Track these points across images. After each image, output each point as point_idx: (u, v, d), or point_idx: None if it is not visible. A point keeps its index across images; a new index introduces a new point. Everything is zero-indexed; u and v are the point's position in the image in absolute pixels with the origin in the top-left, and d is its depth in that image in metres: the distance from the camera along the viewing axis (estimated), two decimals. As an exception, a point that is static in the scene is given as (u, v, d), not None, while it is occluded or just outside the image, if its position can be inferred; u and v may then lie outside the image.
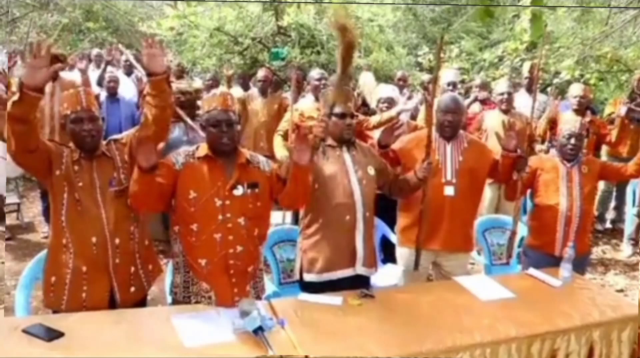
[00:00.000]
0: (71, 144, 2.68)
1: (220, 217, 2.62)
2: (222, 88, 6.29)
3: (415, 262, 3.31)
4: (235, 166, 2.68)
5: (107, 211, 2.65)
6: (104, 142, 2.74)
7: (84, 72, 5.91)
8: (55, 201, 2.65)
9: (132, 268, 2.74)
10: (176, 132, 4.27)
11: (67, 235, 2.63)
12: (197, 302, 2.67)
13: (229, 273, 2.67)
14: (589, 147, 5.28)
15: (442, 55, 3.68)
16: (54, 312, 2.69)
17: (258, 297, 2.79)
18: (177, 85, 4.37)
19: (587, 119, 5.22)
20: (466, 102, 6.23)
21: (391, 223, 4.35)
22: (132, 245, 2.73)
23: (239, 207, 2.66)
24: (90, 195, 2.63)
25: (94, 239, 2.61)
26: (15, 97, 2.33)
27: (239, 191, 2.66)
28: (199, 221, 2.63)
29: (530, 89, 6.05)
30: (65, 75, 5.81)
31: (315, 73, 5.28)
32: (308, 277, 3.01)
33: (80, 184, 2.63)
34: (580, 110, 5.26)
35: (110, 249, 2.64)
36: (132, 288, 2.75)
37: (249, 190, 2.68)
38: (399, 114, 4.12)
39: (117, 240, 2.66)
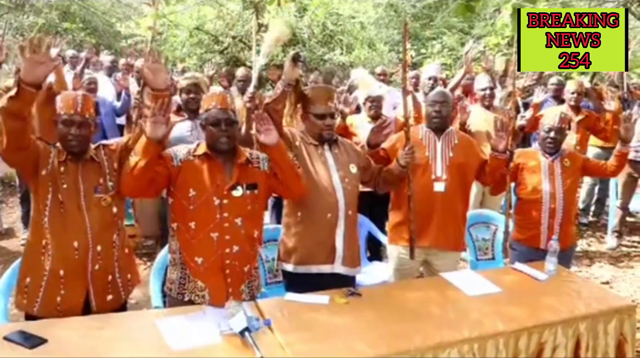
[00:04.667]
0: (58, 144, 2.64)
1: (218, 216, 2.61)
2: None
3: (410, 252, 3.27)
4: (234, 166, 2.66)
5: (91, 217, 2.60)
6: (92, 146, 2.70)
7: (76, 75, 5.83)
8: (38, 201, 2.60)
9: (110, 277, 2.70)
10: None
11: (48, 237, 2.58)
12: (190, 300, 2.65)
13: (224, 273, 2.66)
14: (582, 142, 5.32)
15: (407, 38, 3.64)
16: (27, 314, 2.64)
17: (253, 296, 2.76)
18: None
19: (583, 115, 5.27)
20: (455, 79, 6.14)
21: (377, 221, 4.33)
22: (113, 252, 2.69)
23: (237, 208, 2.64)
24: (73, 198, 2.59)
25: (75, 243, 2.57)
26: (12, 92, 2.28)
27: (238, 192, 2.64)
28: (197, 219, 2.62)
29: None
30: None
31: None
32: (284, 267, 3.01)
33: (65, 186, 2.58)
34: (576, 106, 5.29)
35: (91, 255, 2.60)
36: (109, 297, 2.70)
37: (247, 191, 2.66)
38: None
39: (99, 247, 2.61)
